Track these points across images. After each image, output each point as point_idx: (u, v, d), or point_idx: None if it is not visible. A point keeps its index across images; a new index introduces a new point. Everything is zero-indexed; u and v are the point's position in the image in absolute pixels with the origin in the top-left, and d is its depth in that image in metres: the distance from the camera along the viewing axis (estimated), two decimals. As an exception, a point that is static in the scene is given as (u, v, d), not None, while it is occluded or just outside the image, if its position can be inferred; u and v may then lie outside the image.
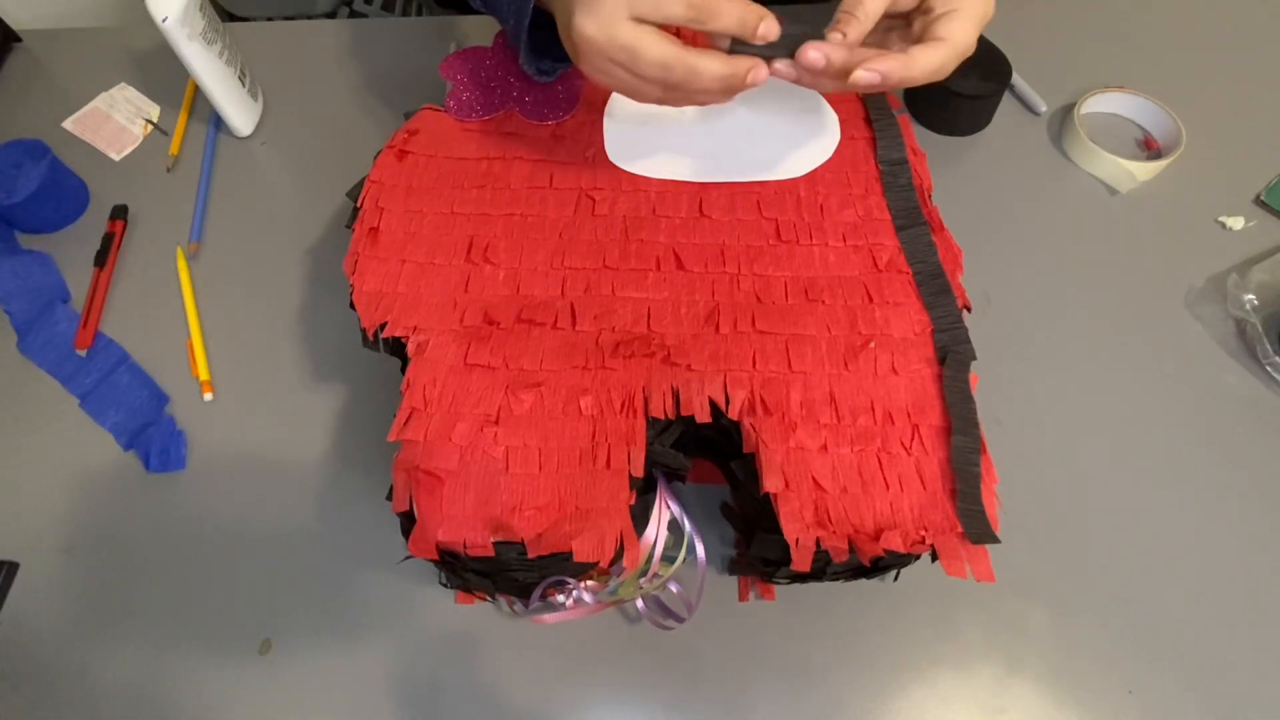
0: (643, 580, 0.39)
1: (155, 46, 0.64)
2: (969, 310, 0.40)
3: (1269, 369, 0.49)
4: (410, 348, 0.38)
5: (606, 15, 0.35)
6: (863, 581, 0.41)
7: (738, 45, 0.37)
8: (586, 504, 0.34)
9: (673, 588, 0.41)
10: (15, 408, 0.49)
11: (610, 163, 0.45)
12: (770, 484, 0.35)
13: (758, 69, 0.36)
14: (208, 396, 0.49)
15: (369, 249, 0.41)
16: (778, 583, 0.42)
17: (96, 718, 0.40)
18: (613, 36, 0.35)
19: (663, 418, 0.36)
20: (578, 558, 0.33)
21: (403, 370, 0.38)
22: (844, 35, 0.35)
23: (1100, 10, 0.66)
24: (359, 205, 0.43)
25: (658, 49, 0.35)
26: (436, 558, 0.35)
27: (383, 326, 0.39)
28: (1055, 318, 0.51)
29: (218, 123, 0.60)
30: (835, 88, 0.38)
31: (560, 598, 0.39)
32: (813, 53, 0.35)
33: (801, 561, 0.33)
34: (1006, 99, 0.61)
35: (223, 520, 0.45)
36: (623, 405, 0.36)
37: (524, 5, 0.41)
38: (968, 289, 0.41)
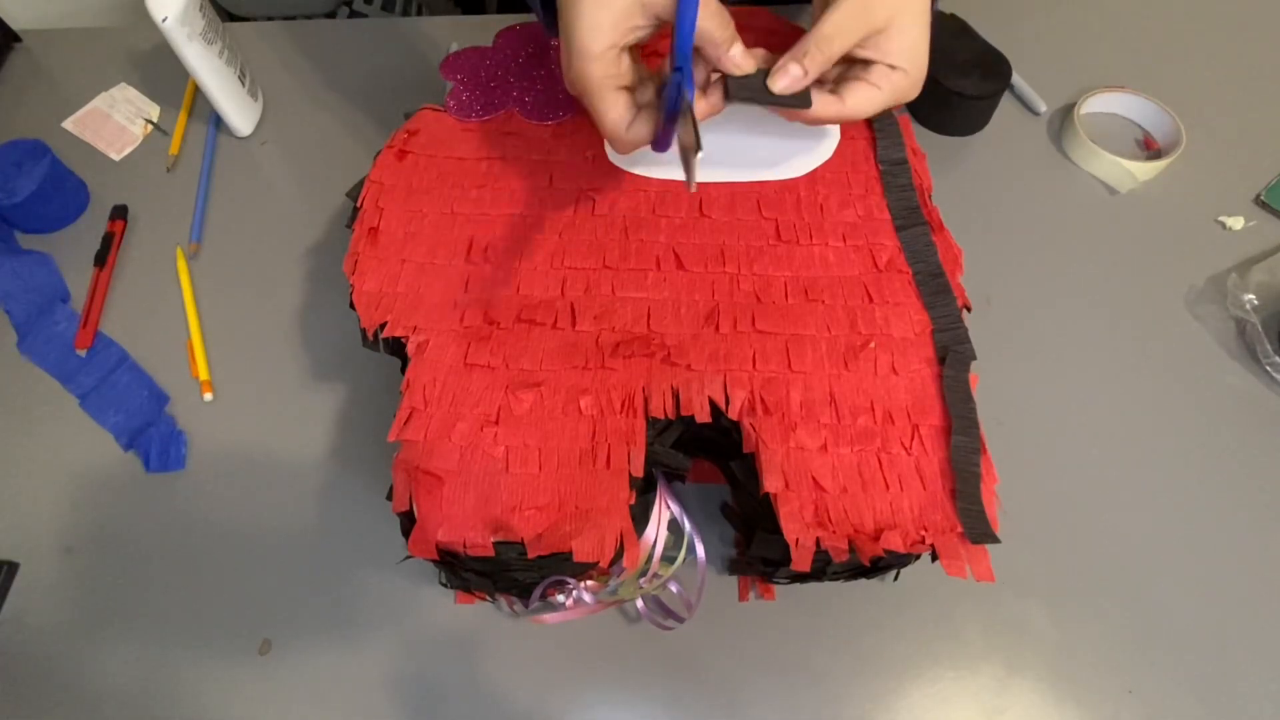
0: (643, 580, 0.39)
1: (155, 46, 0.64)
2: (969, 310, 0.40)
3: (1269, 369, 0.49)
4: (410, 348, 0.38)
5: (586, 48, 0.36)
6: (863, 581, 0.41)
7: (732, 89, 0.39)
8: (586, 504, 0.34)
9: (673, 588, 0.41)
10: (15, 408, 0.49)
11: (610, 163, 0.45)
12: (770, 484, 0.35)
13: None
14: (208, 396, 0.49)
15: (369, 249, 0.41)
16: (778, 583, 0.42)
17: (96, 718, 0.40)
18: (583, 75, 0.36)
19: (663, 418, 0.36)
20: (578, 558, 0.33)
21: (403, 370, 0.38)
22: (804, 71, 0.38)
23: (1100, 10, 0.66)
24: (359, 205, 0.43)
25: (611, 111, 0.37)
26: (436, 558, 0.35)
27: (383, 326, 0.39)
28: (1055, 318, 0.51)
29: (218, 123, 0.60)
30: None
31: (560, 598, 0.39)
32: (794, 67, 0.38)
33: (801, 561, 0.33)
34: (1006, 99, 0.61)
35: (223, 520, 0.45)
36: (623, 405, 0.36)
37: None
38: (968, 289, 0.41)
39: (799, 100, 0.39)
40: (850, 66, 0.40)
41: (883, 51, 0.38)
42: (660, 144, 0.39)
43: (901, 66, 0.39)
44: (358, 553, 0.44)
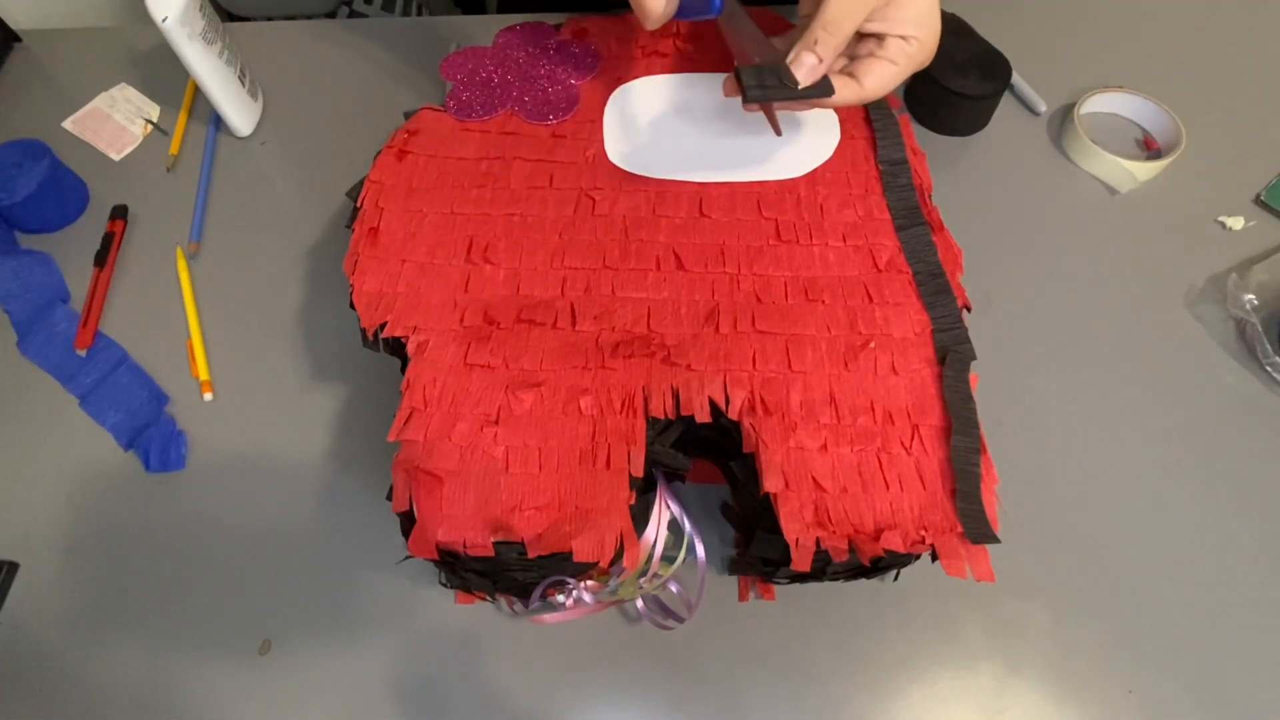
0: (643, 580, 0.39)
1: (155, 46, 0.64)
2: (969, 310, 0.40)
3: (1269, 369, 0.49)
4: (410, 348, 0.38)
5: None
6: (863, 581, 0.41)
7: (748, 85, 0.38)
8: (586, 504, 0.34)
9: (673, 588, 0.41)
10: (15, 408, 0.49)
11: (610, 163, 0.45)
12: (770, 484, 0.35)
13: None
14: (208, 396, 0.49)
15: (369, 249, 0.41)
16: (778, 583, 0.42)
17: (96, 717, 0.40)
18: None
19: (663, 418, 0.36)
20: (578, 558, 0.33)
21: (403, 370, 0.38)
22: (820, 59, 0.37)
23: (1100, 10, 0.66)
24: (359, 205, 0.43)
25: None
26: (436, 558, 0.35)
27: (383, 326, 0.39)
28: (1055, 318, 0.51)
29: (218, 123, 0.60)
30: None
31: (560, 598, 0.39)
32: (808, 56, 0.37)
33: (801, 561, 0.33)
34: (1006, 99, 0.61)
35: (223, 520, 0.45)
36: (623, 405, 0.36)
37: None
38: (968, 289, 0.41)
39: (820, 90, 0.38)
40: (860, 42, 0.39)
41: (892, 22, 0.37)
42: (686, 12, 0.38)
43: (914, 35, 0.37)
44: (358, 553, 0.44)
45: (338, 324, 0.51)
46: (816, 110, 0.47)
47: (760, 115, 0.42)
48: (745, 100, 0.38)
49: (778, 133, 0.41)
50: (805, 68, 0.37)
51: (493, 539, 0.34)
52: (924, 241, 0.41)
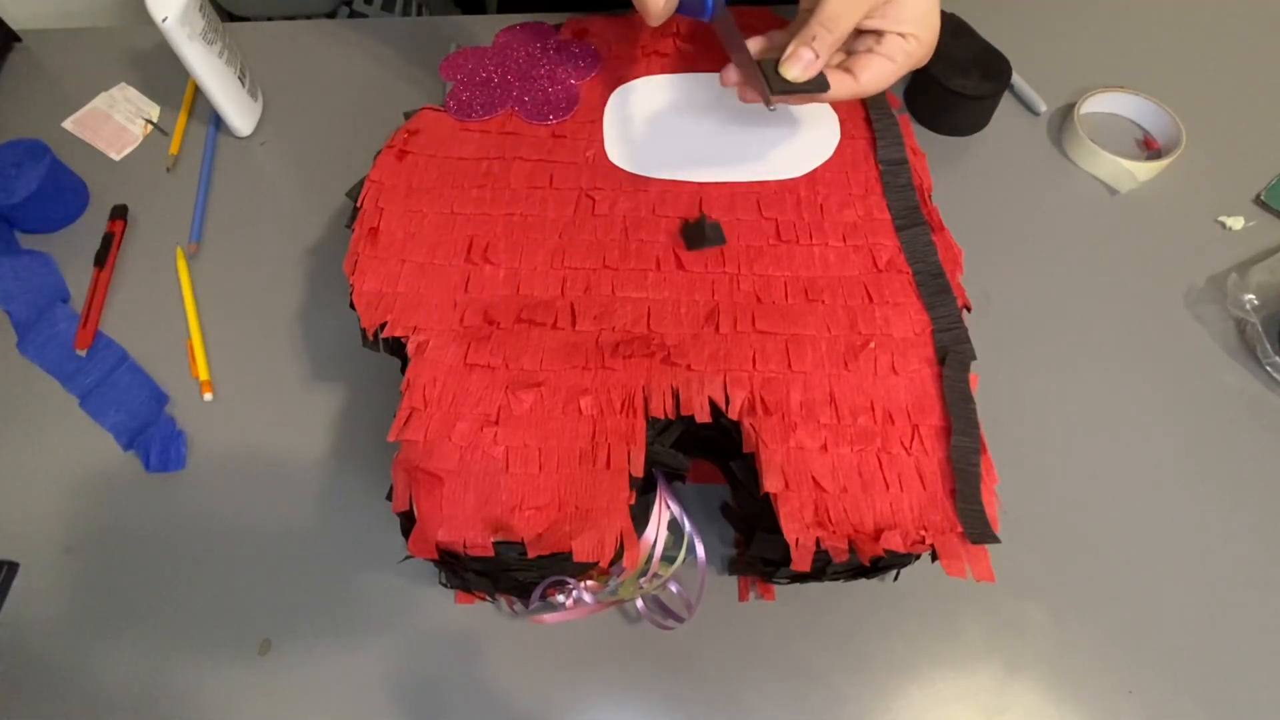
0: (643, 580, 0.39)
1: (155, 46, 0.64)
2: (969, 310, 0.40)
3: (1269, 369, 0.49)
4: (410, 348, 0.38)
5: None
6: (863, 581, 0.41)
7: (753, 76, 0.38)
8: (586, 504, 0.34)
9: (673, 588, 0.41)
10: (15, 408, 0.49)
11: (610, 163, 0.45)
12: (770, 484, 0.35)
13: None
14: (208, 396, 0.49)
15: (369, 249, 0.42)
16: (778, 583, 0.42)
17: (96, 718, 0.40)
18: None
19: (663, 418, 0.36)
20: (578, 558, 0.33)
21: (403, 370, 0.38)
22: (816, 55, 0.37)
23: (1100, 10, 0.66)
24: (359, 205, 0.43)
25: None
26: (436, 558, 0.35)
27: (383, 326, 0.39)
28: (1055, 318, 0.51)
29: (218, 123, 0.60)
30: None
31: (560, 598, 0.39)
32: (804, 52, 0.37)
33: (801, 561, 0.33)
34: (1006, 99, 0.61)
35: (223, 520, 0.45)
36: (623, 405, 0.36)
37: None
38: (968, 289, 0.41)
39: (815, 85, 0.38)
40: (858, 38, 0.39)
41: (891, 20, 0.37)
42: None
43: (913, 34, 0.37)
44: (358, 553, 0.44)
45: (338, 324, 0.51)
46: (816, 110, 0.47)
47: (759, 111, 0.42)
48: (742, 99, 0.39)
49: (769, 105, 0.41)
50: (801, 63, 0.37)
51: (493, 539, 0.34)
52: (924, 241, 0.42)
